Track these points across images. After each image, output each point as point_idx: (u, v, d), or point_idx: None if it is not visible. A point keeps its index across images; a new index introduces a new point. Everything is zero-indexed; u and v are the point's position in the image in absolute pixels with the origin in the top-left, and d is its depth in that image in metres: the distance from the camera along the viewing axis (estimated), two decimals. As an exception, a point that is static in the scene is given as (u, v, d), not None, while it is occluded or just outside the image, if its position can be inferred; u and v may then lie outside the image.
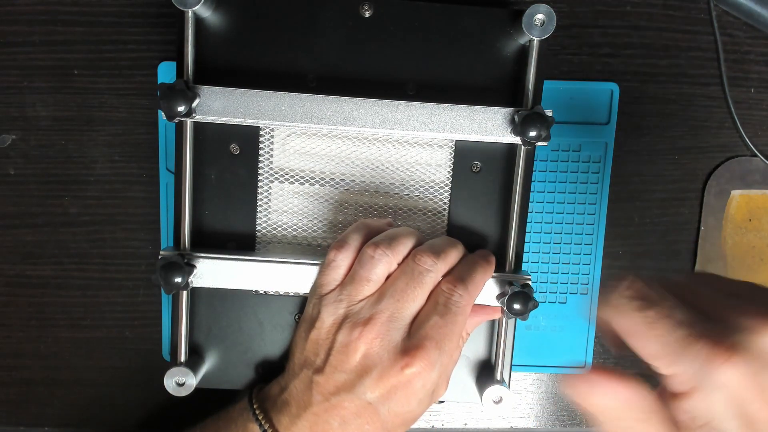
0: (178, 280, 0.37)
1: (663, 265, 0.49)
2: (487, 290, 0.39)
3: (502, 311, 0.38)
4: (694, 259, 0.49)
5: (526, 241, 0.47)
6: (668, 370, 0.25)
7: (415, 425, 0.50)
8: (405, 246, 0.36)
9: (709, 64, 0.47)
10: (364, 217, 0.41)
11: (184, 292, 0.39)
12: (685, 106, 0.47)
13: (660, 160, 0.48)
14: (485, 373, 0.41)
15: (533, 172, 0.47)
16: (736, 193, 0.48)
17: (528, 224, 0.47)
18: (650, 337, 0.25)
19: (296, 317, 0.41)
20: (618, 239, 0.48)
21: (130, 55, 0.45)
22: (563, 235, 0.47)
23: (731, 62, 0.47)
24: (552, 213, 0.47)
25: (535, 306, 0.37)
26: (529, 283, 0.38)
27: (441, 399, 0.43)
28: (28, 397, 0.49)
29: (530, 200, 0.47)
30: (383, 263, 0.36)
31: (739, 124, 0.47)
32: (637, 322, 0.26)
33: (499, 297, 0.38)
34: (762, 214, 0.48)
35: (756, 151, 0.47)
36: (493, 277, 0.39)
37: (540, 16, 0.37)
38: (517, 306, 0.37)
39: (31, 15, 0.45)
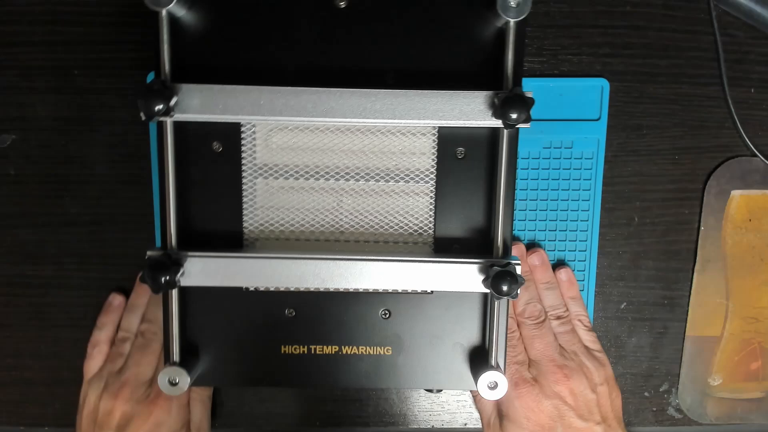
0: (165, 279, 0.37)
1: (663, 265, 0.49)
2: (473, 276, 0.38)
3: (491, 295, 0.38)
4: (694, 259, 0.48)
5: (520, 239, 0.47)
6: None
7: (414, 425, 0.50)
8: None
9: (709, 64, 0.47)
10: (350, 208, 0.41)
11: (174, 291, 0.39)
12: (685, 106, 0.47)
13: (660, 160, 0.48)
14: (479, 359, 0.41)
15: (527, 169, 0.47)
16: (736, 193, 0.48)
17: (522, 222, 0.47)
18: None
19: (288, 312, 0.40)
20: (618, 239, 0.48)
21: (129, 56, 0.45)
22: (557, 232, 0.47)
23: (731, 62, 0.47)
24: (546, 210, 0.47)
25: (522, 283, 0.37)
26: (512, 262, 0.38)
27: (438, 388, 0.42)
28: (28, 397, 0.49)
29: (524, 198, 0.47)
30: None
31: (739, 124, 0.47)
32: None
33: (485, 281, 0.38)
34: (762, 214, 0.48)
35: (756, 151, 0.47)
36: (476, 263, 0.39)
37: None
38: (503, 286, 0.37)
39: (31, 15, 0.45)
